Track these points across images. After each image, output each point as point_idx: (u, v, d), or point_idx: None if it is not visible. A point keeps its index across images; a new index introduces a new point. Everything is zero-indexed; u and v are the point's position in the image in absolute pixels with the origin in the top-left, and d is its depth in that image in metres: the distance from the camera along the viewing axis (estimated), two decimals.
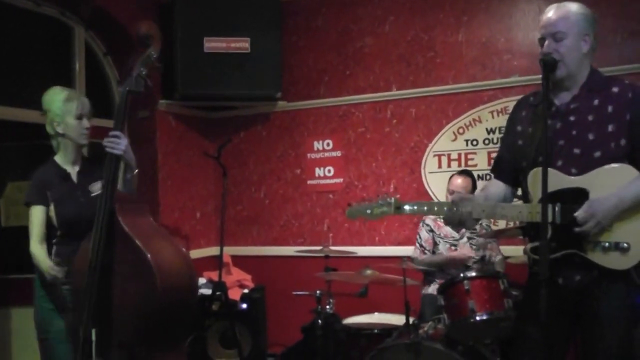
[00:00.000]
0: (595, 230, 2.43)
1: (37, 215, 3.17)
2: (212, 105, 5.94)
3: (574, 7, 2.61)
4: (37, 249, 3.13)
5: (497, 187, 2.84)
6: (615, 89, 2.56)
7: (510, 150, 2.78)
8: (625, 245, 2.42)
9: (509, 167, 2.79)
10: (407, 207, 2.73)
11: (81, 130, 3.26)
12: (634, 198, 2.42)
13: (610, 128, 2.51)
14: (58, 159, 3.32)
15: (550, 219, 2.43)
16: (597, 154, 2.50)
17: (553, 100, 2.62)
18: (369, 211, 2.80)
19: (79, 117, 3.24)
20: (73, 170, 3.32)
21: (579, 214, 2.44)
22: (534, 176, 2.55)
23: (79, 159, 3.36)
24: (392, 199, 2.73)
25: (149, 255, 2.80)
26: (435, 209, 2.74)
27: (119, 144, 2.97)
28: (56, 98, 3.24)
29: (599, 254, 2.45)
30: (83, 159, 3.40)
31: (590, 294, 2.50)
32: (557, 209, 2.47)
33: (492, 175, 2.91)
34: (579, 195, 2.47)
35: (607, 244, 2.44)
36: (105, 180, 2.96)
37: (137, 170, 3.20)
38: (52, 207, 3.18)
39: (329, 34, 5.68)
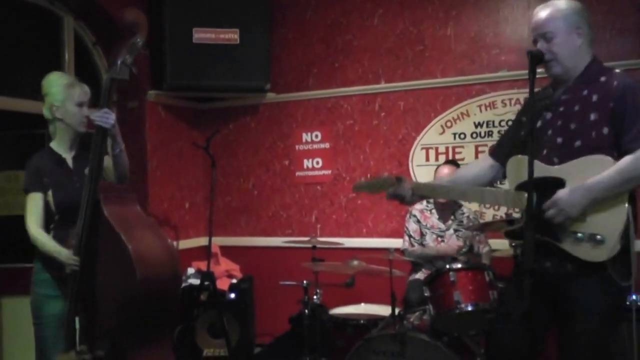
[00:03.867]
0: (560, 219, 2.45)
1: (35, 202, 3.19)
2: (201, 96, 5.94)
3: (561, 3, 2.63)
4: (40, 234, 3.15)
5: (479, 167, 2.97)
6: (603, 78, 2.58)
7: (512, 137, 2.87)
8: (599, 237, 2.42)
9: (506, 151, 2.85)
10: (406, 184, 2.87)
11: (81, 118, 3.29)
12: (603, 189, 2.42)
13: (592, 117, 2.53)
14: (54, 145, 3.34)
15: (523, 206, 2.48)
16: (577, 143, 2.54)
17: (552, 93, 2.69)
18: (369, 185, 2.99)
19: (80, 105, 3.26)
20: (69, 156, 3.34)
21: (546, 202, 2.47)
22: (511, 164, 2.65)
23: (75, 145, 3.37)
24: (388, 179, 2.89)
25: (129, 246, 2.82)
26: (421, 187, 2.83)
27: (108, 118, 3.04)
28: (57, 83, 3.26)
29: (571, 244, 2.47)
30: (79, 144, 3.41)
31: (567, 287, 2.52)
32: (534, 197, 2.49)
33: (489, 154, 3.00)
34: (557, 185, 2.50)
35: (580, 235, 2.45)
36: (92, 154, 3.00)
37: (124, 145, 3.26)
38: (49, 193, 3.21)
39: (318, 26, 5.69)
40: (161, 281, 2.93)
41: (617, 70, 2.64)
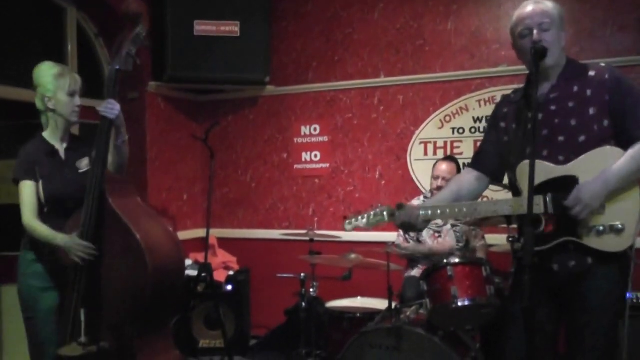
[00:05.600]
0: (585, 214, 2.43)
1: (27, 191, 3.12)
2: (201, 88, 5.94)
3: (550, 3, 2.66)
4: (36, 223, 3.08)
5: (467, 182, 2.89)
6: (592, 73, 2.59)
7: (495, 146, 2.82)
8: (620, 226, 2.43)
9: (492, 161, 2.83)
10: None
11: (73, 108, 3.24)
12: (620, 178, 2.43)
13: (591, 111, 2.53)
14: (46, 135, 3.28)
15: (542, 209, 2.47)
16: (582, 138, 2.52)
17: (525, 94, 2.68)
18: (364, 220, 2.83)
19: (71, 94, 3.22)
20: (61, 147, 3.28)
21: (568, 200, 2.45)
22: (522, 169, 2.56)
23: (67, 136, 3.32)
24: (385, 208, 2.77)
25: (138, 236, 2.81)
26: (430, 213, 2.75)
27: (112, 109, 3.04)
28: (47, 73, 3.21)
29: (595, 238, 2.46)
30: (71, 136, 3.36)
31: (581, 281, 2.52)
32: (548, 199, 2.48)
33: (471, 167, 2.93)
34: (570, 183, 2.48)
35: (601, 227, 2.44)
36: (97, 145, 2.99)
37: (127, 137, 3.25)
38: (40, 184, 3.14)
39: (318, 20, 5.69)
40: (169, 271, 2.92)
41: (602, 64, 2.66)
